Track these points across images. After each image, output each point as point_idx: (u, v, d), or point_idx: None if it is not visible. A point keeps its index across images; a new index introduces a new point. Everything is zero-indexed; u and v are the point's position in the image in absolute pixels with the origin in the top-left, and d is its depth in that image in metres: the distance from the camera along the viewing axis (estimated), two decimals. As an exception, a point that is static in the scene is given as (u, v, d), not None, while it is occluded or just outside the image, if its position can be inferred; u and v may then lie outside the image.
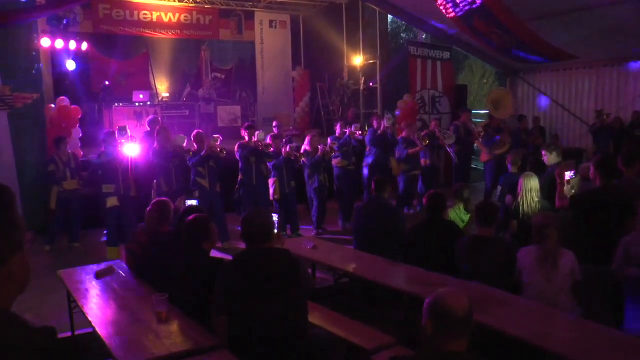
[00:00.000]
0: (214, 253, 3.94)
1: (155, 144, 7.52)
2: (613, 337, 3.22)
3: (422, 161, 9.89)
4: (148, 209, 4.67)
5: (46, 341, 1.20)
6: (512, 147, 9.56)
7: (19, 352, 1.13)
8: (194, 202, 7.13)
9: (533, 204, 5.30)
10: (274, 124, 10.04)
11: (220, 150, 7.57)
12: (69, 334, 4.62)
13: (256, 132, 8.09)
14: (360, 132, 9.22)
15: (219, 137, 7.86)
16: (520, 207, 5.37)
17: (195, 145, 7.68)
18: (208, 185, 7.60)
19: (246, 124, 8.93)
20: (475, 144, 10.80)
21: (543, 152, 5.99)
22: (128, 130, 7.60)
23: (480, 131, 10.37)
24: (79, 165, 8.02)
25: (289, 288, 3.15)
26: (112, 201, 7.26)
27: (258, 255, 3.20)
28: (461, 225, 5.85)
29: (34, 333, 1.20)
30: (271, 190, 8.12)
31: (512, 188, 5.83)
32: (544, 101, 13.48)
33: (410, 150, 9.35)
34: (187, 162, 7.63)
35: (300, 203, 8.85)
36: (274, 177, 8.17)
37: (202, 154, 7.48)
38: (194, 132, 7.93)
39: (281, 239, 3.63)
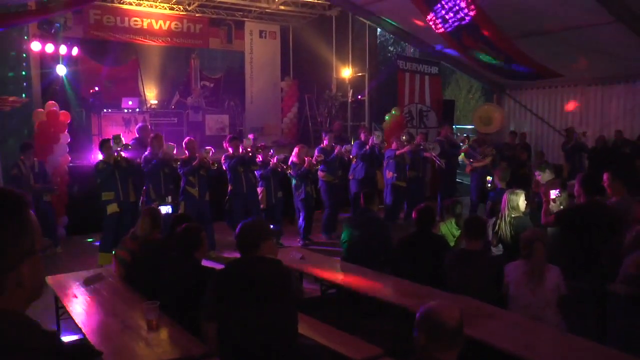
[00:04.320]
0: (204, 263, 3.96)
1: (147, 151, 7.51)
2: (597, 351, 3.28)
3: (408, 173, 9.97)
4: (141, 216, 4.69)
5: (60, 344, 1.21)
6: (495, 161, 9.70)
7: (34, 354, 1.14)
8: (168, 207, 7.15)
9: (508, 220, 5.29)
10: (250, 136, 9.91)
11: (212, 163, 7.60)
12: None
13: (244, 140, 8.14)
14: (350, 156, 9.26)
15: (210, 149, 7.88)
16: (497, 222, 5.38)
17: (187, 153, 7.69)
18: (198, 195, 7.60)
19: (229, 136, 8.88)
20: (460, 157, 10.91)
21: (536, 173, 6.15)
22: (122, 139, 7.58)
23: (465, 140, 10.50)
24: (43, 171, 7.95)
25: (280, 298, 3.18)
26: (112, 208, 7.22)
27: (251, 264, 3.22)
28: (452, 240, 5.91)
29: (48, 336, 1.21)
30: (259, 200, 8.17)
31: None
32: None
33: (397, 152, 9.43)
34: (177, 171, 7.62)
35: (285, 214, 8.92)
36: (261, 187, 8.21)
37: (194, 164, 7.50)
38: (186, 140, 7.93)
39: (274, 250, 3.65)
